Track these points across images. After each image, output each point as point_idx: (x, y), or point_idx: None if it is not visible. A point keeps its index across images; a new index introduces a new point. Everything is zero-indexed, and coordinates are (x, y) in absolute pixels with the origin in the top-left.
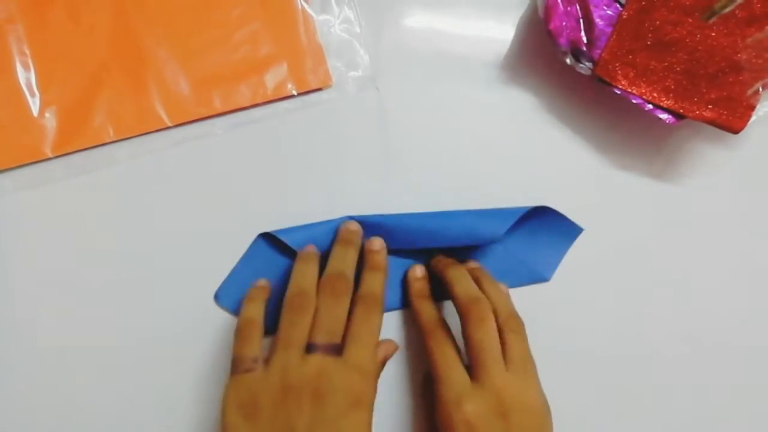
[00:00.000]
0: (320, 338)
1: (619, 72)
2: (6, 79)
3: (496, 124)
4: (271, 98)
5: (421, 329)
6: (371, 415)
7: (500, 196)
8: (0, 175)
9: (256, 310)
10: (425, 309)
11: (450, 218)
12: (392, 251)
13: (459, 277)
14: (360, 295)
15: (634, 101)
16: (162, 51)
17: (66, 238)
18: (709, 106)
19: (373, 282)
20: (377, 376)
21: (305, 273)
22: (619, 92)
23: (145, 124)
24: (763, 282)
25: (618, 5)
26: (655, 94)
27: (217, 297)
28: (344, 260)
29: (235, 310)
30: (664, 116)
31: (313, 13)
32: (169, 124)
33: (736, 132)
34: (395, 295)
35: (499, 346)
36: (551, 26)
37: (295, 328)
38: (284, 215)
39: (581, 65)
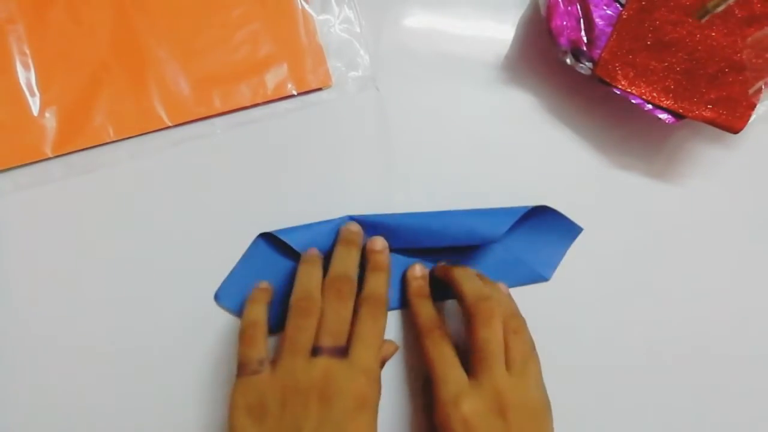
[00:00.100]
0: (326, 341)
1: (619, 72)
2: (6, 78)
3: (496, 124)
4: (271, 98)
5: (419, 328)
6: (376, 416)
7: (500, 196)
8: (0, 175)
9: (259, 312)
10: (423, 308)
11: (450, 218)
12: (392, 251)
13: (466, 276)
14: (364, 297)
15: (633, 101)
16: (162, 51)
17: (66, 238)
18: (709, 106)
19: (377, 283)
20: (379, 376)
21: (310, 276)
22: (618, 92)
23: (145, 124)
24: (763, 282)
25: (618, 5)
26: (654, 94)
27: (217, 297)
28: (347, 261)
29: (236, 310)
30: (663, 116)
31: (313, 13)
32: (169, 124)
33: (735, 132)
34: (395, 295)
35: (503, 346)
36: (552, 25)
37: (302, 332)
38: (284, 215)
39: (581, 65)
